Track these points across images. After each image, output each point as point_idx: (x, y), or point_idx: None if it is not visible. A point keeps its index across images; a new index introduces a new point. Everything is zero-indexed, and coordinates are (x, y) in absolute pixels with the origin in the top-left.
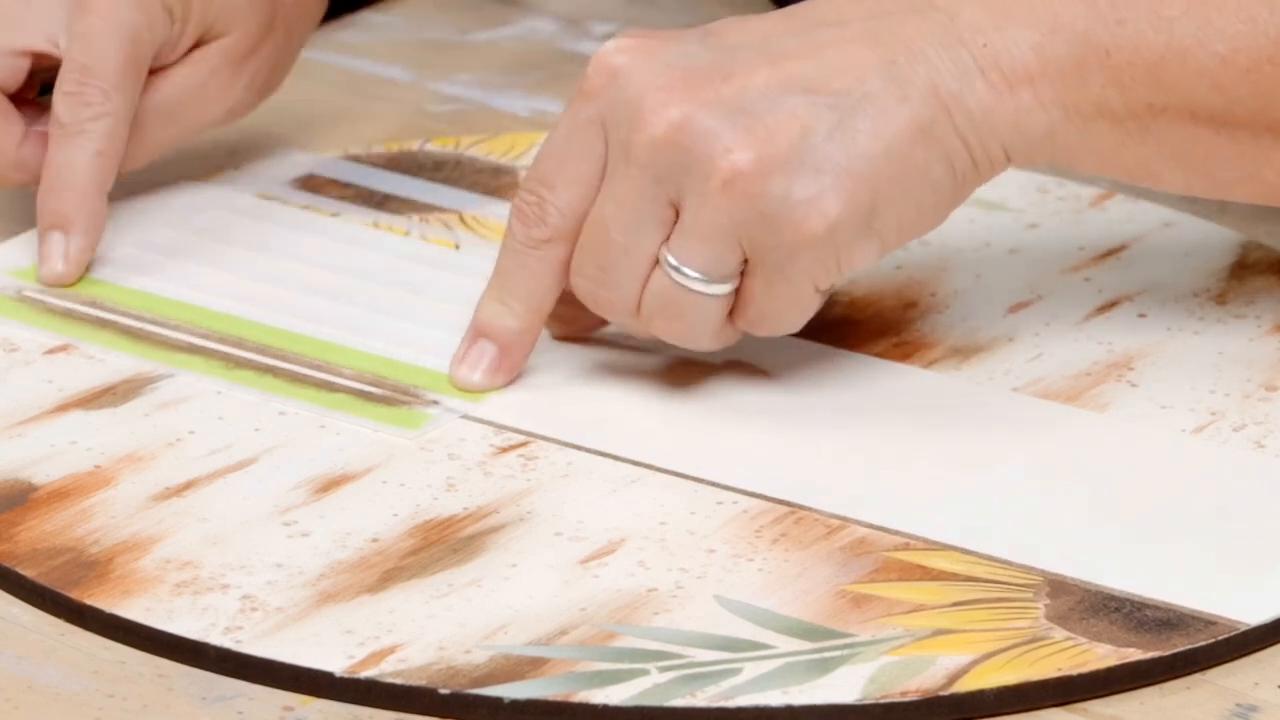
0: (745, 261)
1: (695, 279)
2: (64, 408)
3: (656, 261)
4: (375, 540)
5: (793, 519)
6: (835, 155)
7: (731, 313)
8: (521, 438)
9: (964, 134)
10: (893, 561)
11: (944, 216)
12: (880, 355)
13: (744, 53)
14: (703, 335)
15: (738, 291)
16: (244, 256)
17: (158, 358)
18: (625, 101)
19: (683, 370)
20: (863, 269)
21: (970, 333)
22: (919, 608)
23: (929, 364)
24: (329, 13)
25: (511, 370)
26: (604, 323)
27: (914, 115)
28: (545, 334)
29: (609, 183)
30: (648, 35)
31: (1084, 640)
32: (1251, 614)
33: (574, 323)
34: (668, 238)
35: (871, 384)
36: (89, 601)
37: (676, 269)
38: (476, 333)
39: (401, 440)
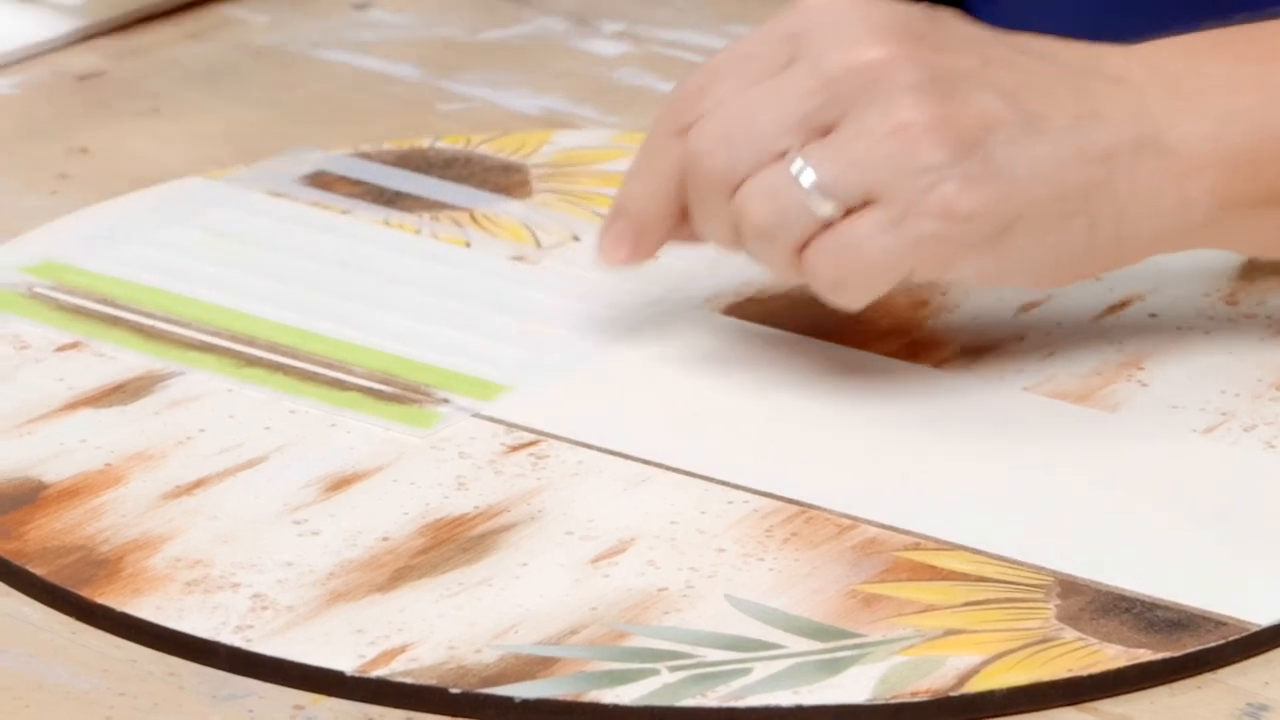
0: (863, 205)
1: (813, 186)
2: (74, 405)
3: (779, 158)
4: (386, 539)
5: (803, 518)
6: (1003, 160)
7: (808, 250)
8: (532, 436)
9: (1122, 206)
10: (903, 561)
11: (1062, 279)
12: (891, 354)
13: (960, 39)
14: (778, 246)
15: (834, 229)
16: (254, 254)
17: (168, 355)
18: (836, 23)
19: (694, 369)
20: (961, 284)
21: (981, 332)
22: (929, 608)
23: (940, 363)
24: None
25: (649, 251)
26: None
27: (1084, 170)
28: (555, 338)
29: (780, 76)
30: None
31: (1094, 641)
32: (1262, 614)
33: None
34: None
35: (882, 383)
36: (99, 600)
37: (802, 169)
38: (616, 213)
39: (412, 439)
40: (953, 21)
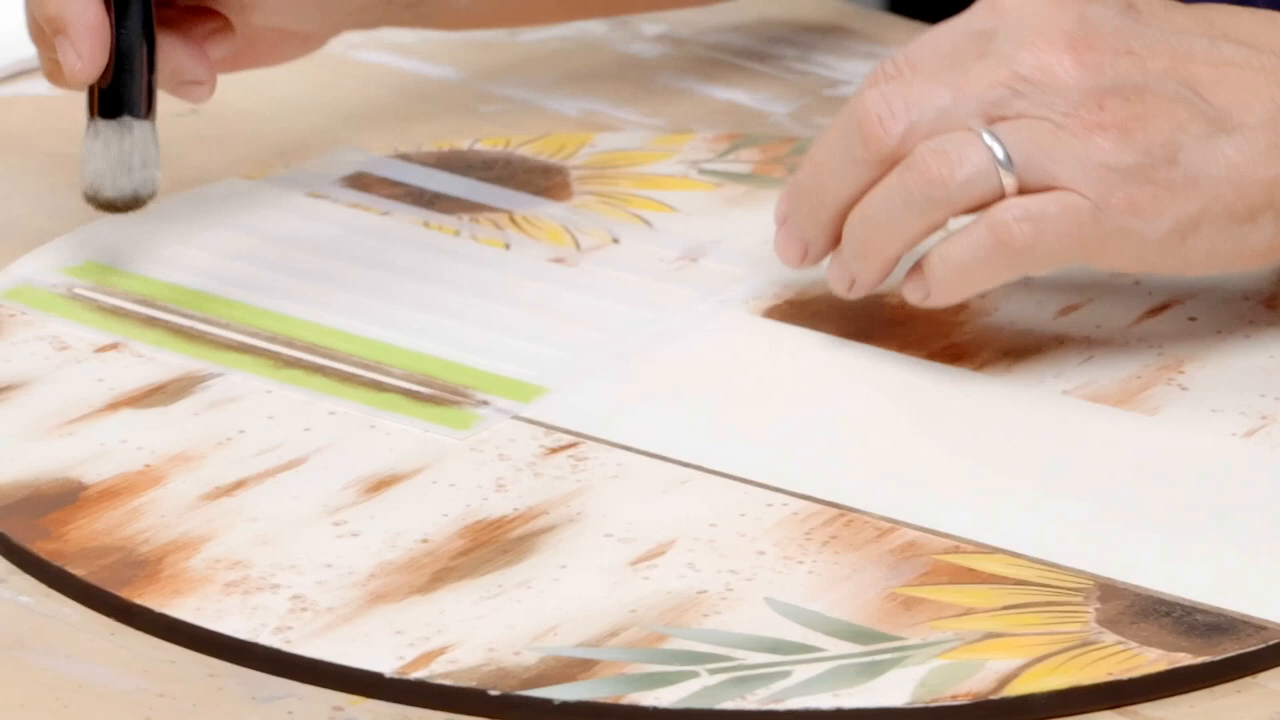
0: (1048, 190)
1: (1001, 156)
2: (114, 406)
3: (964, 130)
4: (425, 541)
5: (843, 521)
6: (1192, 161)
7: (993, 209)
8: (571, 438)
9: None
10: (943, 564)
11: (1245, 268)
12: (930, 358)
13: (1154, 35)
14: (945, 204)
15: (1026, 196)
16: (293, 255)
17: (208, 356)
18: (1030, 24)
19: (733, 372)
20: (1160, 275)
21: (1020, 335)
22: (969, 611)
23: (979, 366)
24: None
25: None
26: None
27: (1273, 166)
28: (594, 340)
29: (970, 64)
30: None
31: (1134, 644)
32: None
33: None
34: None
35: (922, 386)
36: (139, 601)
37: (993, 137)
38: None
39: (451, 440)
40: (1151, 12)
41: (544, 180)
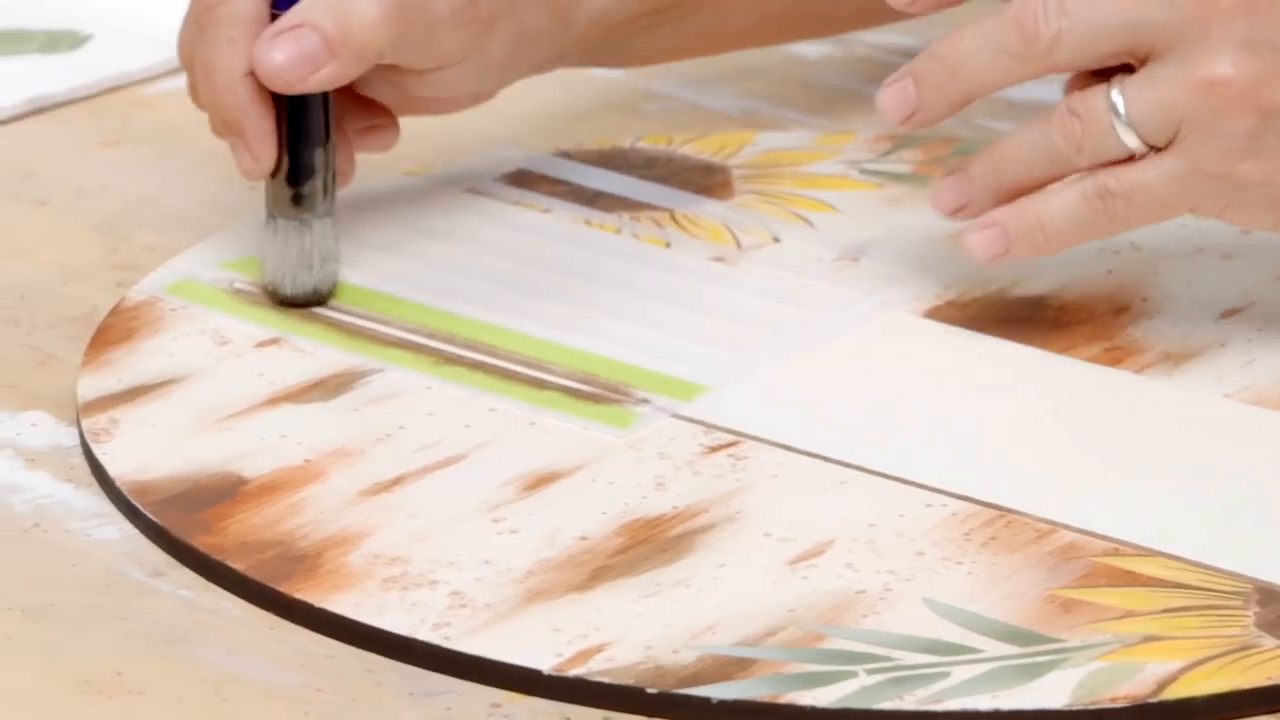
0: (1166, 146)
1: (1124, 117)
2: (274, 401)
3: (1100, 85)
4: (584, 538)
5: (1002, 522)
6: None
7: (1101, 175)
8: (731, 437)
9: None
10: (1102, 567)
11: None
12: (1092, 360)
13: None
14: (1078, 162)
15: (1125, 167)
16: (454, 251)
17: (368, 352)
18: None
19: (893, 372)
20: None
21: (1182, 338)
22: (1128, 613)
23: (1140, 369)
24: None
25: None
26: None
27: None
28: (754, 339)
29: None
30: None
31: None
32: None
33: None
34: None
35: (1083, 389)
36: (298, 595)
37: (1118, 99)
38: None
39: (611, 438)
40: None
41: (705, 179)
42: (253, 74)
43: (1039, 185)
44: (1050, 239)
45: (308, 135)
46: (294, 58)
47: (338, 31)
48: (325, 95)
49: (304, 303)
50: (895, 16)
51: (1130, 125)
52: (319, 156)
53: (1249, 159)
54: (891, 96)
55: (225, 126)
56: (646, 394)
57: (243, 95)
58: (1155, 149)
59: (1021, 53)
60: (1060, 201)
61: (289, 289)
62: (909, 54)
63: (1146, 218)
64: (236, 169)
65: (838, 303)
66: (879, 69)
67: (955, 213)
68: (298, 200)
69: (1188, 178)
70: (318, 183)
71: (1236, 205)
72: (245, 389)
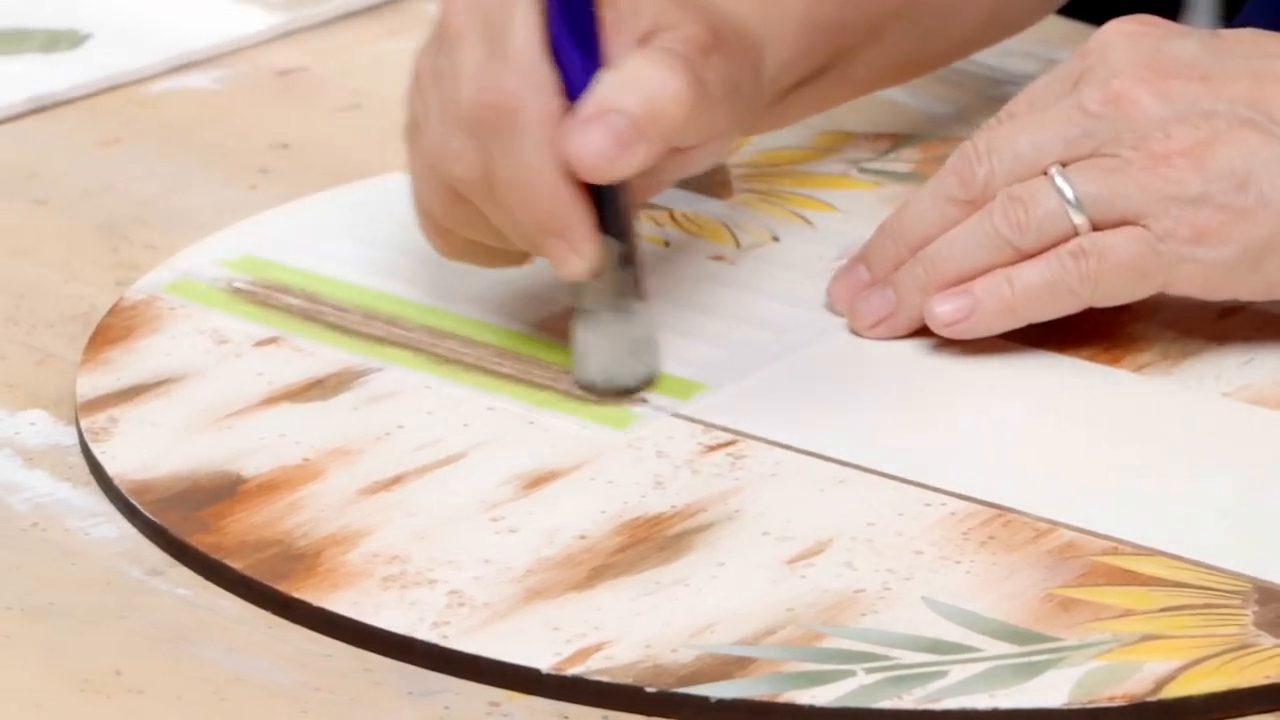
0: (1121, 225)
1: (1073, 198)
2: (273, 400)
3: (1039, 175)
4: (583, 537)
5: (1000, 521)
6: (1263, 183)
7: (1061, 248)
8: (730, 436)
9: None
10: (1101, 565)
11: None
12: (1090, 359)
13: (1234, 62)
14: (1017, 247)
15: (1092, 234)
16: None
17: (367, 351)
18: (1106, 64)
19: (891, 371)
20: (1247, 298)
21: (1181, 337)
22: (1127, 613)
23: (1139, 368)
24: None
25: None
26: None
27: None
28: (753, 338)
29: (1050, 108)
30: (1153, 22)
31: None
32: None
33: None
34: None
35: (1081, 387)
36: (297, 594)
37: (1063, 183)
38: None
39: (610, 437)
40: (1238, 42)
41: (704, 178)
42: (568, 172)
43: (973, 277)
44: (1019, 297)
45: (622, 223)
46: (610, 143)
47: (644, 111)
48: (628, 185)
49: (633, 391)
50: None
51: (1080, 206)
52: (632, 241)
53: (1211, 219)
54: (839, 282)
55: (546, 231)
56: (645, 393)
57: (566, 195)
58: (1101, 229)
59: (962, 198)
60: (1030, 262)
61: (619, 382)
62: None
63: (1120, 278)
64: (557, 272)
65: None
66: None
67: (880, 324)
68: (616, 290)
69: (1159, 247)
70: (636, 269)
71: (1213, 273)
72: (244, 388)
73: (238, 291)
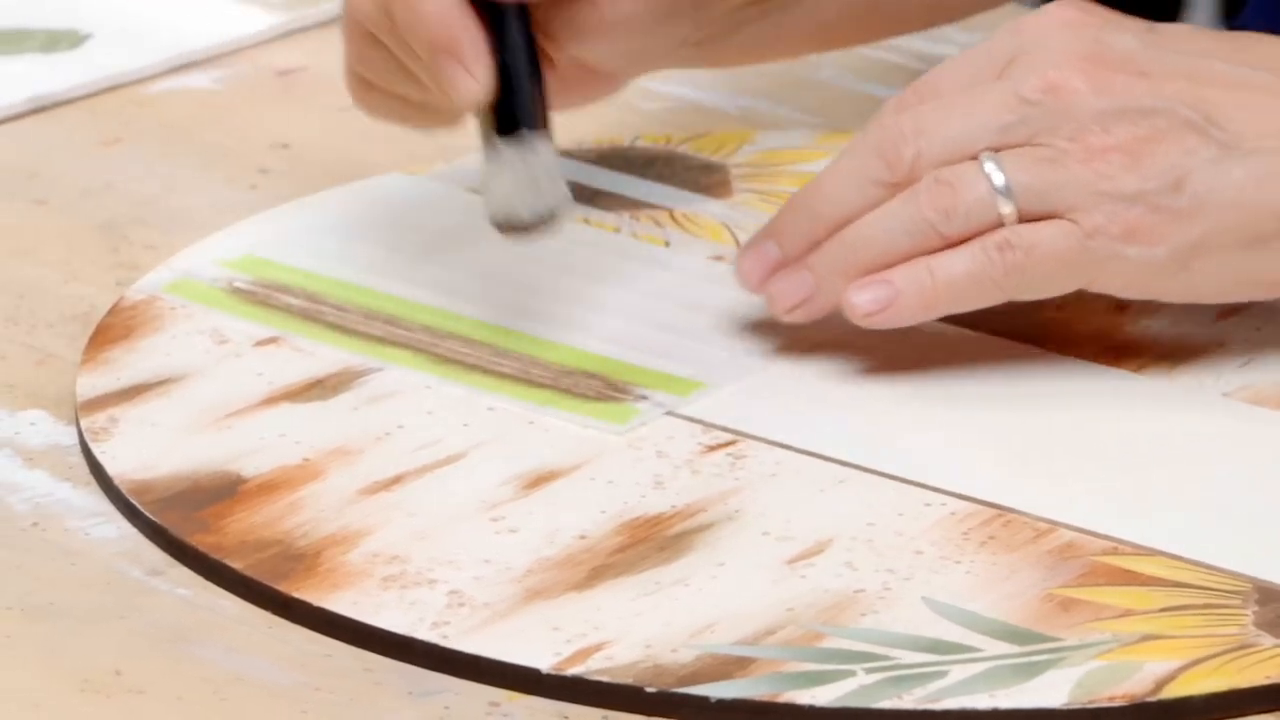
0: (1050, 218)
1: (1002, 186)
2: (273, 400)
3: (969, 159)
4: (583, 537)
5: (1001, 521)
6: (1197, 186)
7: (985, 238)
8: (730, 436)
9: None
10: (1101, 565)
11: (1261, 296)
12: (1090, 359)
13: (1172, 58)
14: (942, 234)
15: (1019, 225)
16: (453, 251)
17: (367, 351)
18: (1041, 49)
19: (890, 372)
20: (1166, 299)
21: (1180, 338)
22: (1127, 613)
23: (1138, 368)
24: None
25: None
26: None
27: None
28: (753, 338)
29: (982, 88)
30: (1093, 10)
31: None
32: None
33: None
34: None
35: (1081, 388)
36: (297, 594)
37: (993, 170)
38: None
39: (610, 437)
40: (1175, 38)
41: (704, 178)
42: None
43: (896, 263)
44: (940, 288)
45: (510, 45)
46: None
47: None
48: (525, 10)
49: (539, 227)
50: (962, 16)
51: (1010, 195)
52: (524, 67)
53: (1143, 217)
54: (748, 261)
55: (437, 48)
56: (644, 391)
57: (454, 11)
58: (1029, 219)
59: (888, 179)
60: (952, 252)
61: (524, 213)
62: (909, 52)
63: (1046, 273)
64: (451, 97)
65: None
66: (878, 67)
67: (796, 308)
68: (511, 116)
69: (1087, 243)
70: (530, 94)
71: (1141, 271)
72: (244, 388)
73: (238, 291)
